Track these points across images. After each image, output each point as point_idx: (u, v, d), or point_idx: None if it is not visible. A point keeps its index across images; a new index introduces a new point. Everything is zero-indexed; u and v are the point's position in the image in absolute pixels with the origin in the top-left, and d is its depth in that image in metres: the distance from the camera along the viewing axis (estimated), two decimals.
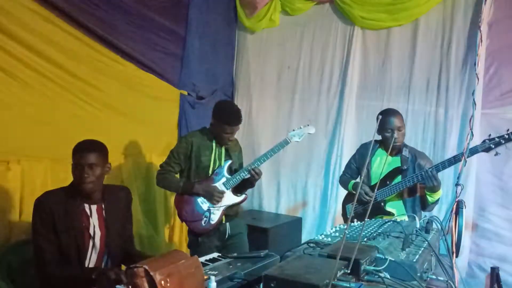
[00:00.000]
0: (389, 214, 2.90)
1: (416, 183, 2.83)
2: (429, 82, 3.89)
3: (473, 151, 2.65)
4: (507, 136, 2.58)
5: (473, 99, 3.42)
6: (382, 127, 2.89)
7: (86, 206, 2.16)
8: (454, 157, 2.72)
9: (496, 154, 2.62)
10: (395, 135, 2.84)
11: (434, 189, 2.79)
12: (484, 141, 2.66)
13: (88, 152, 2.09)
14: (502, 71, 3.56)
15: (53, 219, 2.05)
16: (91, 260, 2.17)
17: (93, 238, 2.16)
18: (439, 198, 2.90)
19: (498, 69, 3.57)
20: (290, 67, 4.59)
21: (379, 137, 3.01)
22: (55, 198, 2.10)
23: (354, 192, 3.10)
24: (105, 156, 2.19)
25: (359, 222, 2.38)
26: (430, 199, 2.87)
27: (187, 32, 4.12)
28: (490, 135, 2.66)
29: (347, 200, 3.23)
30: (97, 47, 3.30)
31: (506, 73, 3.54)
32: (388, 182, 2.91)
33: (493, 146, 2.61)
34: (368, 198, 2.94)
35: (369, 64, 4.20)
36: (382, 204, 2.94)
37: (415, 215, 2.54)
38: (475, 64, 3.53)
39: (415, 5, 3.86)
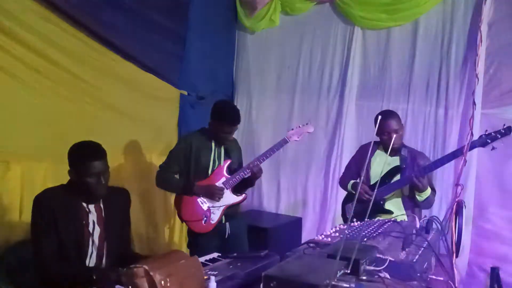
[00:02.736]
0: (388, 212, 2.91)
1: (414, 181, 2.85)
2: (429, 82, 3.89)
3: (471, 146, 2.68)
4: (503, 131, 2.63)
5: (473, 99, 3.44)
6: (380, 129, 2.90)
7: (85, 204, 2.17)
8: (452, 153, 2.75)
9: (493, 148, 2.66)
10: (393, 137, 2.85)
11: (419, 190, 2.83)
12: (480, 136, 2.71)
13: (99, 159, 2.11)
14: (502, 71, 3.56)
15: (53, 215, 2.05)
16: (92, 258, 2.17)
17: (92, 235, 2.16)
18: (428, 197, 2.89)
19: (498, 69, 3.58)
20: (290, 67, 4.59)
21: (377, 138, 3.01)
22: (55, 195, 2.10)
23: (354, 192, 3.12)
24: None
25: (359, 222, 2.38)
26: (418, 198, 2.90)
27: (187, 32, 4.12)
28: (486, 130, 2.71)
29: (347, 200, 3.24)
30: (97, 47, 3.29)
31: (506, 73, 3.54)
32: (387, 181, 2.93)
33: (489, 141, 2.66)
34: (367, 196, 2.95)
35: (369, 64, 4.20)
36: (381, 202, 2.95)
37: (415, 215, 2.55)
38: (475, 64, 3.53)
39: (415, 5, 3.86)
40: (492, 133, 2.66)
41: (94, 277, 1.94)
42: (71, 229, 2.09)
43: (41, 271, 2.09)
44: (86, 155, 2.10)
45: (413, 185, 2.82)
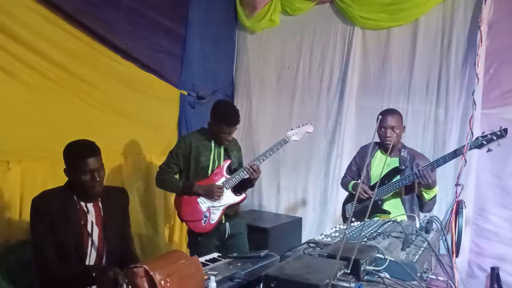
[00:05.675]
0: (386, 213, 2.91)
1: (413, 181, 2.84)
2: (429, 82, 3.89)
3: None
4: (499, 133, 2.60)
5: (473, 99, 3.44)
6: (379, 124, 2.90)
7: (83, 204, 2.17)
8: (451, 153, 2.74)
9: (488, 150, 2.64)
10: (388, 134, 2.85)
11: (429, 187, 2.80)
12: (477, 138, 2.69)
13: (93, 156, 2.11)
14: (502, 71, 3.56)
15: (51, 217, 2.05)
16: (91, 258, 2.17)
17: (91, 235, 2.16)
18: (435, 195, 2.90)
19: (498, 69, 3.57)
20: (290, 67, 4.59)
21: (378, 139, 3.01)
22: (52, 197, 2.10)
23: (354, 193, 3.12)
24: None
25: (359, 222, 2.38)
26: (426, 196, 2.88)
27: (187, 32, 4.12)
28: (483, 132, 2.70)
29: (348, 200, 3.25)
30: (97, 47, 3.29)
31: (506, 73, 3.54)
32: (386, 182, 2.92)
33: (485, 143, 2.64)
34: (366, 195, 2.95)
35: (369, 64, 4.20)
36: (380, 202, 2.95)
37: (414, 215, 2.54)
38: (475, 64, 3.53)
39: (415, 5, 3.87)
40: (488, 135, 2.63)
41: (94, 275, 1.94)
42: (69, 230, 2.09)
43: (41, 273, 2.09)
44: (80, 153, 2.11)
45: (422, 181, 2.75)
